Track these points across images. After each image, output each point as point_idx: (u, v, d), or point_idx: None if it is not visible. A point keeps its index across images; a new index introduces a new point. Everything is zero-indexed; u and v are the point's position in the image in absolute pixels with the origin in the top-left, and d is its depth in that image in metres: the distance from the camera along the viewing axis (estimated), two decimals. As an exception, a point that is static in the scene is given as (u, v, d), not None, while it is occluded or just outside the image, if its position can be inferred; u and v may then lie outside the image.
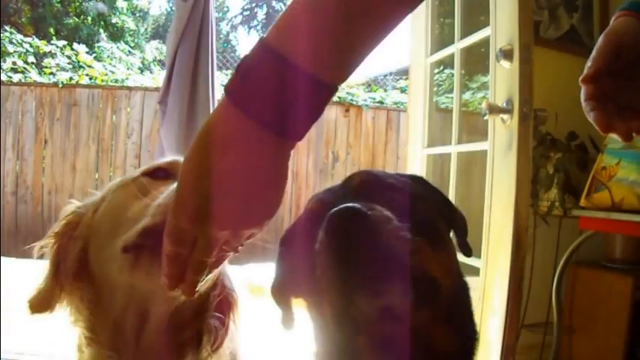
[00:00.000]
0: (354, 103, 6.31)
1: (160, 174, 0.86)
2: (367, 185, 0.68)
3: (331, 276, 0.57)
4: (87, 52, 7.10)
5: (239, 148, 0.53)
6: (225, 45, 19.49)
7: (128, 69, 8.31)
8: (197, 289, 0.62)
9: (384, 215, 0.58)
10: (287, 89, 0.52)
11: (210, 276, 0.71)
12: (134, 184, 0.84)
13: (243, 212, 0.56)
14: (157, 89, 5.35)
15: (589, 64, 0.82)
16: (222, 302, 0.91)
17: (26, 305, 0.85)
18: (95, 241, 0.83)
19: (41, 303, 0.84)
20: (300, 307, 0.75)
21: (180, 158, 0.82)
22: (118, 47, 10.09)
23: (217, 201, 0.54)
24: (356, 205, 0.56)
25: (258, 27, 20.70)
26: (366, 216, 0.55)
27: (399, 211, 0.60)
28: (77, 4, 12.17)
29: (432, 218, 0.67)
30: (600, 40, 0.82)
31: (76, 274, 0.83)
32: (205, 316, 0.87)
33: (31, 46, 7.11)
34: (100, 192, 0.91)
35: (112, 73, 6.72)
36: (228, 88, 0.54)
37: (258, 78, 0.52)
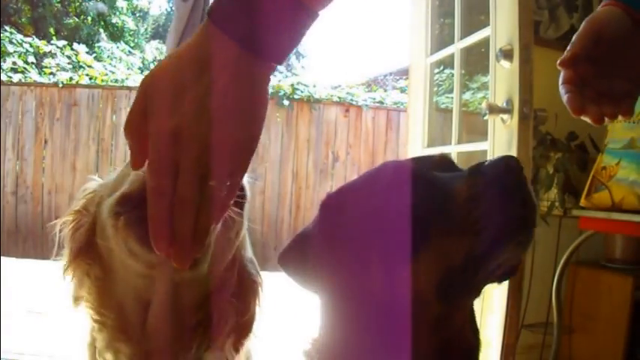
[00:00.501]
0: (354, 103, 6.31)
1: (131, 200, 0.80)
2: (447, 164, 0.71)
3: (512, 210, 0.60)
4: (87, 52, 7.10)
5: (216, 65, 0.52)
6: (225, 45, 19.48)
7: (128, 69, 8.32)
8: (192, 253, 0.54)
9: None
10: (263, 7, 0.52)
11: (212, 246, 0.72)
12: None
13: (221, 132, 0.53)
14: (156, 89, 5.35)
15: (568, 48, 0.83)
16: (242, 287, 0.88)
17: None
18: (100, 218, 0.80)
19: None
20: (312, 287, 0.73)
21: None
22: (118, 47, 10.10)
23: (194, 119, 0.52)
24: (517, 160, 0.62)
25: (258, 27, 20.70)
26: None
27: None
28: (77, 4, 12.18)
29: None
30: (581, 26, 0.83)
31: (84, 250, 0.81)
32: (217, 299, 0.82)
33: (31, 46, 7.12)
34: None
35: (112, 73, 6.72)
36: (209, 8, 0.54)
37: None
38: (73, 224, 0.84)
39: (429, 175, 0.65)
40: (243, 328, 0.86)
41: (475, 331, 0.69)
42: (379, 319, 0.65)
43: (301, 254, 0.72)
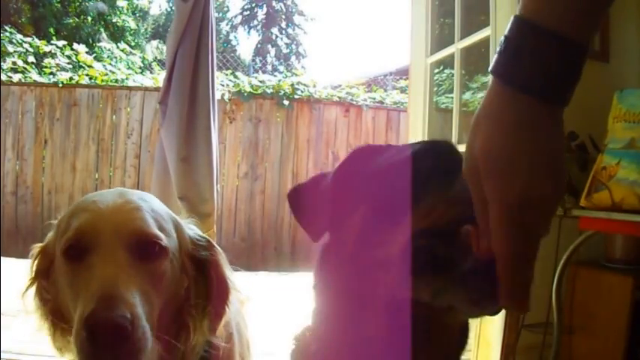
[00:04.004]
0: (354, 103, 6.31)
1: (73, 252, 0.92)
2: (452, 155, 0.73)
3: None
4: (87, 52, 7.09)
5: (518, 124, 0.53)
6: (225, 45, 19.49)
7: (128, 69, 8.31)
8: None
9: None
10: (545, 55, 0.53)
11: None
12: (60, 269, 0.94)
13: (548, 190, 0.54)
14: (157, 89, 5.35)
15: None
16: (218, 288, 1.01)
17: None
18: (63, 305, 0.96)
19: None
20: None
21: (92, 211, 0.95)
22: (118, 47, 10.09)
23: (535, 181, 0.52)
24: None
25: (258, 27, 20.71)
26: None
27: None
28: (77, 4, 12.18)
29: None
30: None
31: (56, 317, 1.01)
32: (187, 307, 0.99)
33: (31, 46, 7.11)
34: (54, 225, 1.04)
35: (112, 73, 6.72)
36: (492, 70, 0.56)
37: (516, 50, 0.54)
38: (37, 252, 1.03)
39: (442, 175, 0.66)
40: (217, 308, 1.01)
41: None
42: (373, 272, 0.65)
43: (311, 193, 0.74)
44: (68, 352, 1.02)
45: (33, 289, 1.02)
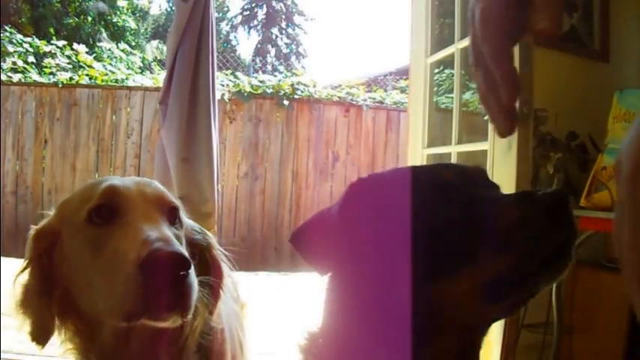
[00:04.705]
0: (354, 103, 6.31)
1: (104, 212, 0.88)
2: (483, 178, 0.75)
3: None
4: (87, 52, 7.09)
5: None
6: (225, 45, 19.49)
7: (128, 69, 8.31)
8: None
9: None
10: None
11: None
12: (83, 237, 0.88)
13: None
14: (157, 89, 5.35)
15: None
16: (213, 270, 1.02)
17: (29, 338, 0.96)
18: (76, 290, 0.90)
19: (42, 335, 0.94)
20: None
21: (115, 180, 0.92)
22: (118, 47, 10.09)
23: None
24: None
25: (258, 27, 20.71)
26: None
27: None
28: (77, 4, 12.18)
29: None
30: None
31: (62, 308, 0.92)
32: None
33: (31, 46, 7.11)
34: (49, 213, 0.98)
35: (112, 73, 6.72)
36: None
37: None
38: (37, 232, 0.95)
39: (471, 192, 0.68)
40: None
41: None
42: (385, 307, 0.67)
43: (317, 232, 0.74)
44: (73, 346, 0.96)
45: (26, 275, 0.95)
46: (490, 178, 0.78)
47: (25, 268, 0.95)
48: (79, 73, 6.48)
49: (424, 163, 2.59)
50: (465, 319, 0.66)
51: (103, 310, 0.83)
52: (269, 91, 6.15)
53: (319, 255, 0.73)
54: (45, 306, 0.92)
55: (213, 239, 1.07)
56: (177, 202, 0.98)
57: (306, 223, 0.76)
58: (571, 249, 0.66)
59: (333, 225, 0.72)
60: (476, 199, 0.67)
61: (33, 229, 0.97)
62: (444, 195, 0.67)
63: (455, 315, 0.65)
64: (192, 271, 0.82)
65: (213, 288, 0.99)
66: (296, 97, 6.16)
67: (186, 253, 0.81)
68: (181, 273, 0.79)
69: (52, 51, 7.02)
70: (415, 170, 0.74)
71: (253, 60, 19.43)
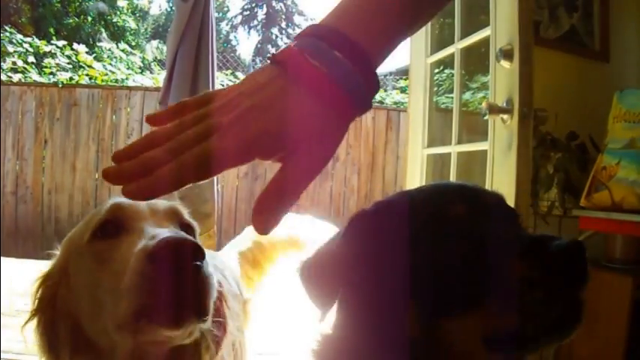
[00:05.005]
0: (354, 103, 6.30)
1: (110, 229, 0.81)
2: (501, 208, 0.71)
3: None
4: (87, 52, 7.10)
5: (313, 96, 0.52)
6: (225, 45, 19.49)
7: (128, 69, 8.31)
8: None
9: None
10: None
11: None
12: (89, 253, 0.81)
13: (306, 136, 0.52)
14: (157, 89, 5.35)
15: None
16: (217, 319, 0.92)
17: None
18: (85, 319, 0.82)
19: None
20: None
21: (119, 199, 0.84)
22: (118, 47, 10.10)
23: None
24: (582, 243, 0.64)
25: (258, 27, 20.72)
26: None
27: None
28: (77, 4, 12.18)
29: None
30: None
31: (73, 348, 0.84)
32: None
33: (31, 46, 7.12)
34: (56, 253, 0.91)
35: (112, 73, 6.72)
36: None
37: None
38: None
39: (481, 232, 0.64)
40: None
41: None
42: (389, 339, 0.66)
43: (321, 270, 0.72)
44: None
45: (34, 322, 0.86)
46: (508, 205, 0.73)
47: (30, 319, 0.87)
48: (79, 73, 6.49)
49: (424, 163, 2.59)
50: (467, 357, 0.65)
51: (112, 327, 0.74)
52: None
53: (324, 295, 0.71)
54: (59, 358, 0.84)
55: (225, 288, 0.98)
56: (194, 223, 0.91)
57: (310, 260, 0.73)
58: (581, 309, 0.63)
59: (336, 261, 0.71)
60: (485, 241, 0.63)
61: (39, 274, 0.89)
62: (450, 234, 0.64)
63: (457, 353, 0.64)
64: (208, 264, 0.73)
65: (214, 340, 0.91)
66: (296, 97, 6.16)
67: (200, 243, 0.73)
68: (196, 263, 0.70)
69: (52, 51, 7.02)
70: (421, 200, 0.70)
71: (253, 60, 19.43)
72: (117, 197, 0.85)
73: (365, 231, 0.70)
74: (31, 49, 7.04)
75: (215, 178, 3.11)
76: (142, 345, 0.77)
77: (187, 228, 0.88)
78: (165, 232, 0.73)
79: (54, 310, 0.84)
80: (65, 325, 0.83)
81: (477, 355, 0.64)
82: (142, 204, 0.83)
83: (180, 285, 0.69)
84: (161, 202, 0.87)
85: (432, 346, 0.64)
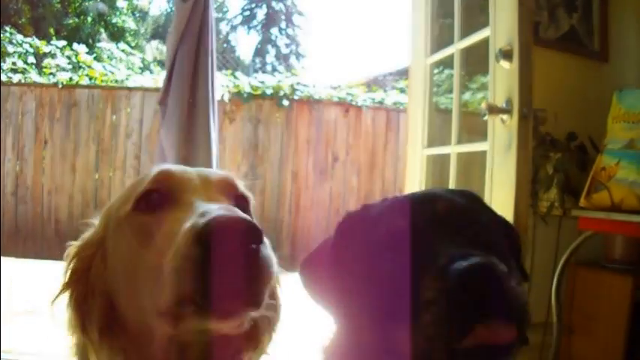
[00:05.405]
0: (354, 103, 6.31)
1: (155, 199, 0.73)
2: (452, 215, 0.70)
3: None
4: (87, 53, 7.10)
5: None
6: (225, 45, 19.49)
7: (128, 69, 8.32)
8: None
9: (505, 272, 0.62)
10: None
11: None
12: (130, 227, 0.73)
13: None
14: (156, 90, 5.35)
15: None
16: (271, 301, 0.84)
17: None
18: (120, 298, 0.75)
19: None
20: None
21: (167, 166, 0.77)
22: (117, 47, 10.10)
23: None
24: (488, 264, 0.61)
25: (258, 27, 20.71)
26: (499, 278, 0.61)
27: (484, 246, 0.65)
28: (77, 4, 12.17)
29: (505, 251, 0.72)
30: None
31: (105, 328, 0.75)
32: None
33: (30, 46, 7.12)
34: (94, 222, 0.83)
35: (112, 73, 6.72)
36: None
37: None
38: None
39: (411, 244, 0.66)
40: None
41: None
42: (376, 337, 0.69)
43: (318, 266, 0.78)
44: None
45: (66, 295, 0.78)
46: (463, 213, 0.72)
47: (60, 294, 0.78)
48: (79, 73, 6.49)
49: (424, 163, 2.59)
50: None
51: (151, 311, 0.67)
52: (269, 91, 6.15)
53: (321, 290, 0.77)
54: (88, 337, 0.75)
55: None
56: (250, 195, 0.81)
57: (311, 255, 0.79)
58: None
59: (328, 258, 0.76)
60: (403, 258, 0.64)
61: (71, 246, 0.81)
62: (393, 245, 0.66)
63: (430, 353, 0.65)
64: (266, 247, 0.64)
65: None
66: (296, 97, 6.16)
67: (257, 224, 0.63)
68: (252, 246, 0.61)
69: (52, 51, 7.03)
70: (377, 210, 0.74)
71: (253, 60, 19.43)
72: (164, 164, 0.78)
73: (347, 231, 0.75)
74: (30, 50, 7.04)
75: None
76: (183, 333, 0.68)
77: (242, 201, 0.79)
78: (216, 208, 0.64)
79: (87, 285, 0.76)
80: (98, 302, 0.75)
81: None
82: (193, 173, 0.76)
83: (232, 272, 0.60)
84: (214, 172, 0.79)
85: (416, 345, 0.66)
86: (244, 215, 0.63)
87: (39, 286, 4.05)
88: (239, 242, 0.60)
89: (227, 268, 0.59)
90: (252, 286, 0.62)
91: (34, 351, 2.60)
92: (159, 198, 0.72)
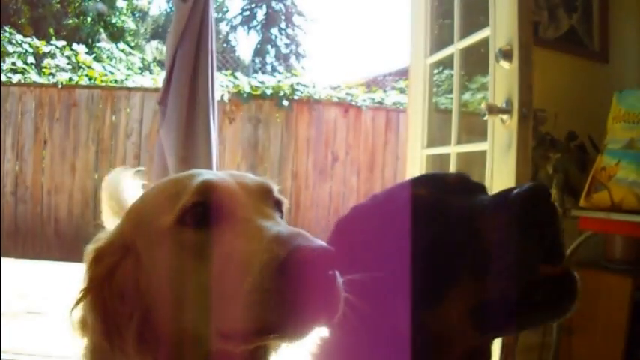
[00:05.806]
0: (354, 103, 6.31)
1: (200, 213, 0.71)
2: (463, 184, 0.72)
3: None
4: (87, 53, 7.10)
5: None
6: (225, 45, 19.49)
7: (128, 69, 8.32)
8: None
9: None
10: None
11: None
12: (176, 243, 0.71)
13: None
14: (156, 90, 5.35)
15: None
16: None
17: None
18: (161, 310, 0.73)
19: None
20: None
21: (208, 176, 0.75)
22: (117, 48, 10.10)
23: None
24: (543, 185, 0.63)
25: (258, 27, 20.71)
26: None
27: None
28: (77, 4, 12.17)
29: None
30: None
31: (141, 341, 0.73)
32: None
33: (30, 46, 7.12)
34: (113, 225, 0.81)
35: (112, 73, 6.72)
36: None
37: None
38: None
39: (446, 207, 0.66)
40: None
41: None
42: (385, 336, 0.68)
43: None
44: None
45: (87, 303, 0.75)
46: (472, 180, 0.75)
47: (81, 300, 0.75)
48: (79, 73, 6.49)
49: (423, 163, 2.59)
50: (463, 342, 0.65)
51: (205, 329, 0.67)
52: (268, 91, 6.15)
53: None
54: (117, 344, 0.72)
55: None
56: (284, 200, 0.83)
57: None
58: (573, 287, 0.61)
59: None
60: (449, 216, 0.63)
61: (91, 249, 0.77)
62: (417, 222, 0.65)
63: (452, 338, 0.64)
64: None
65: None
66: (295, 97, 6.16)
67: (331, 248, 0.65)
68: (330, 272, 0.63)
69: (52, 51, 7.03)
70: (392, 198, 0.73)
71: (253, 60, 19.44)
72: (202, 171, 0.77)
73: (342, 234, 0.76)
74: (30, 50, 7.04)
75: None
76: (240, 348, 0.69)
77: (279, 206, 0.81)
78: (286, 231, 0.66)
79: (110, 290, 0.73)
80: (131, 311, 0.73)
81: (474, 339, 0.65)
82: (233, 182, 0.75)
83: (313, 298, 0.62)
84: (249, 178, 0.79)
85: (429, 338, 0.65)
86: (323, 243, 0.64)
87: (39, 286, 4.06)
88: (322, 271, 0.62)
89: (309, 296, 0.61)
90: (330, 310, 0.64)
91: (33, 351, 2.60)
92: (204, 212, 0.71)
